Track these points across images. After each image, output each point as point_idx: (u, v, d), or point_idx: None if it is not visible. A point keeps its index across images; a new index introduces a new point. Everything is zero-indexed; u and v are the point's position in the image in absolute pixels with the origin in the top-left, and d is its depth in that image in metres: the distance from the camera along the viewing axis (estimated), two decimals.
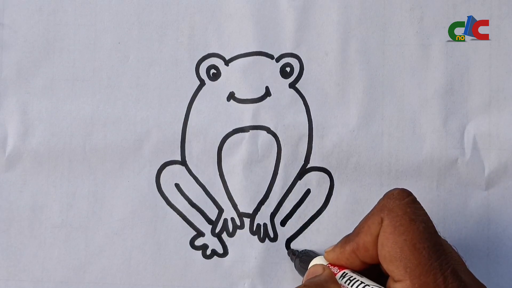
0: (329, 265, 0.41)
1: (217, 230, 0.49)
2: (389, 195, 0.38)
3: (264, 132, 0.49)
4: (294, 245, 0.49)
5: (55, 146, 0.49)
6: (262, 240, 0.49)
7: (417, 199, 0.37)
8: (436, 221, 0.47)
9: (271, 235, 0.49)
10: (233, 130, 0.49)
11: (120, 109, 0.50)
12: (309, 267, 0.42)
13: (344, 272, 0.39)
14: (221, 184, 0.49)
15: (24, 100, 0.50)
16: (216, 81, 0.50)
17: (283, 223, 0.49)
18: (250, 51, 0.50)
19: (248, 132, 0.49)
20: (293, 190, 0.49)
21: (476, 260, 0.48)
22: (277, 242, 0.49)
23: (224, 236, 0.49)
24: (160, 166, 0.49)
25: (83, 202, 0.49)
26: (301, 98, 0.49)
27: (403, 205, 0.36)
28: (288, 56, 0.50)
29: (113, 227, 0.49)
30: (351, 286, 0.38)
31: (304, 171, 0.49)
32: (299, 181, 0.49)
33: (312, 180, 0.49)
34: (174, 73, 0.50)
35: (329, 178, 0.49)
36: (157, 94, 0.50)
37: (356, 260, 0.39)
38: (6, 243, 0.49)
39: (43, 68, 0.50)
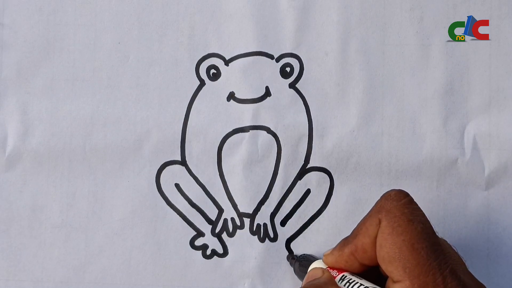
0: (328, 269, 0.41)
1: (217, 230, 0.49)
2: (386, 196, 0.38)
3: (264, 132, 0.49)
4: (294, 245, 0.49)
5: (55, 146, 0.49)
6: (262, 240, 0.49)
7: (415, 200, 0.37)
8: (436, 221, 0.48)
9: (271, 235, 0.49)
10: (233, 130, 0.49)
11: (120, 109, 0.50)
12: (308, 270, 0.42)
13: (343, 275, 0.39)
14: (221, 184, 0.49)
15: (24, 100, 0.50)
16: (216, 81, 0.50)
17: (283, 223, 0.49)
18: (250, 51, 0.50)
19: (248, 132, 0.49)
20: (293, 190, 0.49)
21: (476, 260, 0.48)
22: (277, 242, 0.49)
23: (224, 236, 0.49)
24: (160, 166, 0.49)
25: (83, 202, 0.49)
26: (301, 98, 0.49)
27: (400, 206, 0.36)
28: (288, 56, 0.50)
29: (113, 227, 0.49)
30: None
31: (304, 171, 0.49)
32: (299, 181, 0.49)
33: (312, 180, 0.49)
34: (174, 73, 0.50)
35: (329, 178, 0.49)
36: (157, 94, 0.50)
37: (355, 263, 0.39)
38: (6, 243, 0.49)
39: (43, 68, 0.50)
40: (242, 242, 0.49)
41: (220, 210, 0.49)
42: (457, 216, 0.48)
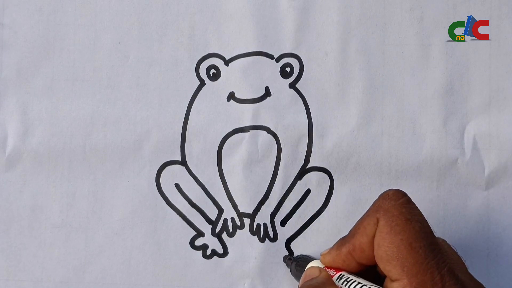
0: (326, 268, 0.41)
1: (217, 230, 0.49)
2: (384, 196, 0.38)
3: (264, 132, 0.49)
4: (294, 245, 0.49)
5: (55, 146, 0.49)
6: (262, 240, 0.49)
7: (416, 200, 0.37)
8: (436, 221, 0.48)
9: (271, 235, 0.49)
10: (233, 130, 0.49)
11: (120, 109, 0.50)
12: (305, 270, 0.42)
13: (341, 274, 0.39)
14: (221, 184, 0.49)
15: (24, 100, 0.50)
16: (216, 81, 0.50)
17: (283, 223, 0.49)
18: (250, 51, 0.50)
19: (248, 132, 0.49)
20: (293, 190, 0.49)
21: (476, 260, 0.48)
22: (277, 242, 0.49)
23: (224, 236, 0.49)
24: (160, 166, 0.49)
25: (83, 202, 0.49)
26: (301, 98, 0.49)
27: (398, 206, 0.36)
28: (288, 56, 0.50)
29: (113, 227, 0.49)
30: (348, 287, 0.38)
31: (304, 171, 0.49)
32: (299, 181, 0.49)
33: (312, 180, 0.49)
34: (174, 73, 0.50)
35: (329, 178, 0.49)
36: (157, 94, 0.50)
37: (353, 262, 0.39)
38: (6, 243, 0.49)
39: (43, 68, 0.50)
40: (242, 242, 0.49)
41: (220, 210, 0.49)
42: (457, 216, 0.48)
